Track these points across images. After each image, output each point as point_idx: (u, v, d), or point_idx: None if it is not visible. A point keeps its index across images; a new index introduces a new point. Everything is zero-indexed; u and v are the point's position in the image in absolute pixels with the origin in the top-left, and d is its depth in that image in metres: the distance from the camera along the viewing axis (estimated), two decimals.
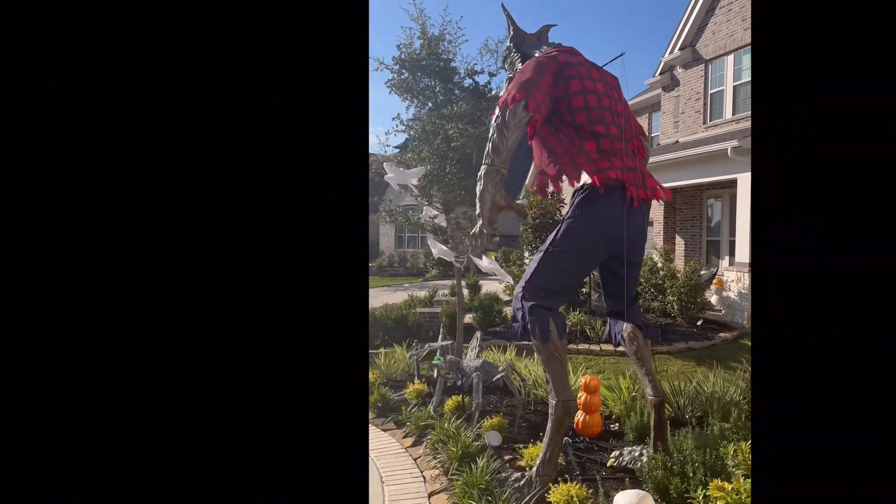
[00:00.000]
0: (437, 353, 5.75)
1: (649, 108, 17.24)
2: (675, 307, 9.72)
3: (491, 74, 6.74)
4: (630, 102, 17.81)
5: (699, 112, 13.26)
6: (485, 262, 7.61)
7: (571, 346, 8.78)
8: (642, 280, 10.45)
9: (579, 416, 4.61)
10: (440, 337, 6.74)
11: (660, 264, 10.41)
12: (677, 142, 13.84)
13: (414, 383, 6.27)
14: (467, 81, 6.85)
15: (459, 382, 5.04)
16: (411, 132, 6.66)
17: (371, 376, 6.26)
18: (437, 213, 6.85)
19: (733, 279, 9.81)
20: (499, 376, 5.02)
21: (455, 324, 9.27)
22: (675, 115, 14.56)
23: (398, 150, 6.97)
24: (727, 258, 12.04)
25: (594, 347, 8.70)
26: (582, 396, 4.64)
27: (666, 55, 14.16)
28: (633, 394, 5.00)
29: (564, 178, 3.36)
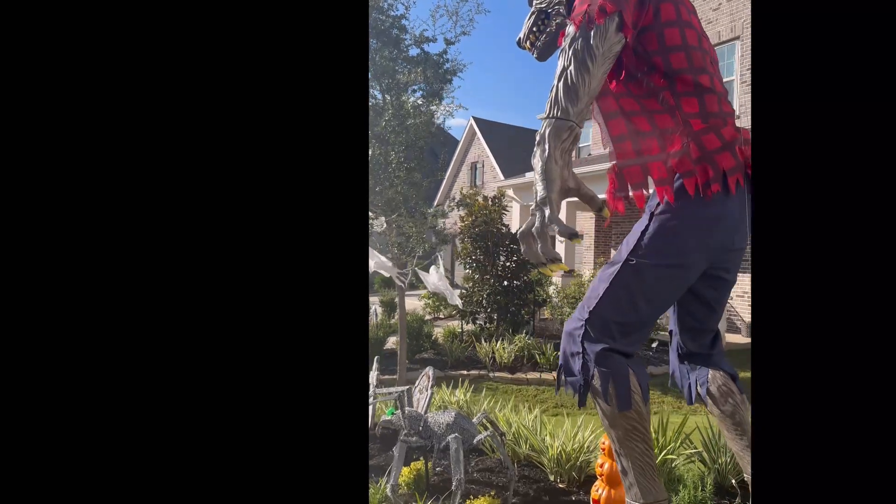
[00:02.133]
0: (390, 405, 4.24)
1: None
2: None
3: (448, 42, 5.36)
4: None
5: None
6: (433, 278, 6.18)
7: (520, 374, 7.55)
8: (574, 297, 9.46)
9: (600, 492, 3.29)
10: (374, 371, 5.19)
11: None
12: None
13: None
14: (414, 51, 5.45)
15: (422, 444, 3.57)
16: None
17: None
18: (373, 214, 5.36)
19: None
20: (481, 438, 3.60)
21: (376, 350, 7.76)
22: None
23: None
24: None
25: (547, 376, 7.50)
26: (603, 464, 3.32)
27: None
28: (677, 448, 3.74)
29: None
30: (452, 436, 3.34)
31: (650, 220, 2.13)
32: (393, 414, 3.89)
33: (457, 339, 8.42)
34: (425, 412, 3.99)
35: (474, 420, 3.79)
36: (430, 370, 4.70)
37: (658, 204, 2.14)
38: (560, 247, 12.46)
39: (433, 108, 5.22)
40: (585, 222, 13.89)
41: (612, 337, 2.09)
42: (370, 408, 4.67)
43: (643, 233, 2.12)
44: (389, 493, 3.32)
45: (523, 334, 8.30)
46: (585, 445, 3.78)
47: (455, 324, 9.38)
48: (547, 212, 1.83)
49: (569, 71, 1.88)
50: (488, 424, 3.87)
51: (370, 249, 5.44)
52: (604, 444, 3.35)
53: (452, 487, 3.17)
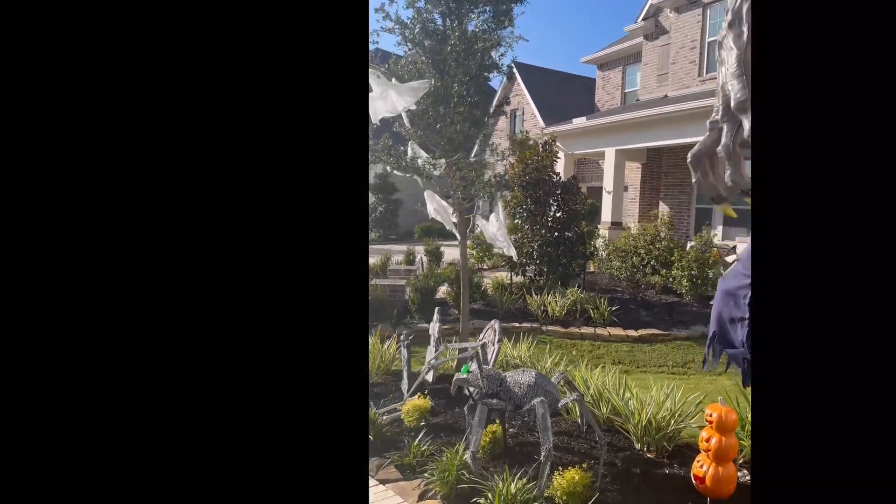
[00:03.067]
0: (466, 363, 3.90)
1: (623, 61, 15.73)
2: (684, 284, 8.30)
3: None
4: (601, 54, 16.32)
5: (694, 63, 11.83)
6: (493, 227, 5.76)
7: (573, 329, 7.20)
8: (641, 251, 8.98)
9: (704, 469, 2.93)
10: (435, 323, 4.86)
11: (663, 234, 8.94)
12: (666, 96, 12.42)
13: (405, 391, 4.43)
14: None
15: (502, 407, 3.24)
16: (406, 30, 4.60)
17: None
18: (426, 153, 4.91)
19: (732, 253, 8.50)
20: (566, 402, 3.25)
21: (427, 300, 7.44)
22: (659, 68, 13.11)
23: (385, 62, 4.85)
24: (720, 228, 10.81)
25: (601, 331, 7.14)
26: (710, 439, 2.96)
27: None
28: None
29: None
30: (538, 400, 3.00)
31: None
32: (468, 372, 3.57)
33: (506, 290, 8.06)
34: (498, 369, 3.65)
35: (553, 380, 3.44)
36: (495, 323, 4.34)
37: None
38: (606, 198, 11.89)
39: (501, 31, 4.66)
40: (632, 173, 13.25)
41: None
42: (433, 361, 4.36)
43: None
44: (469, 461, 3.01)
45: (575, 288, 7.90)
46: (677, 413, 3.41)
47: (502, 275, 9.01)
48: (746, 123, 1.39)
49: None
50: (565, 386, 3.52)
51: (429, 192, 5.03)
52: (710, 416, 2.98)
53: (542, 457, 2.85)
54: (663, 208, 12.36)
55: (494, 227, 5.22)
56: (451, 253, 12.19)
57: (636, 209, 13.22)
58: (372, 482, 3.18)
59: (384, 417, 3.84)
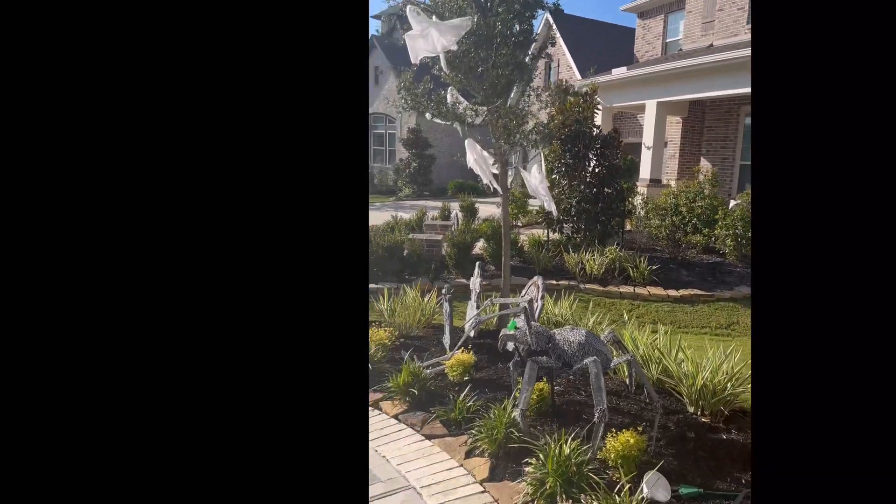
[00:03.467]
0: (512, 318, 3.77)
1: (665, 9, 14.97)
2: (729, 243, 8.02)
3: None
4: (641, 1, 15.52)
5: (742, 9, 11.16)
6: (535, 180, 5.55)
7: (611, 287, 7.02)
8: (682, 210, 8.68)
9: None
10: (476, 278, 4.73)
11: (706, 190, 8.60)
12: (711, 45, 11.81)
13: (447, 346, 4.34)
14: None
15: (551, 365, 3.12)
16: None
17: (381, 334, 4.27)
18: (465, 100, 4.67)
19: None
20: (619, 362, 3.12)
21: (464, 255, 7.31)
22: (705, 15, 12.43)
23: None
24: None
25: (640, 291, 6.96)
26: None
27: None
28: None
29: None
30: (591, 359, 2.87)
31: None
32: (515, 328, 3.45)
33: (543, 248, 7.88)
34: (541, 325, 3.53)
35: (602, 338, 3.30)
36: (538, 279, 4.19)
37: None
38: (645, 154, 11.50)
39: None
40: (672, 127, 12.75)
41: None
42: (474, 320, 4.26)
43: None
44: (519, 419, 2.92)
45: (614, 246, 7.68)
46: (735, 377, 3.25)
47: (538, 232, 8.82)
48: None
49: None
50: (614, 346, 3.39)
51: (469, 141, 4.82)
52: None
53: (595, 418, 2.74)
54: (705, 164, 11.90)
55: (537, 179, 5.00)
56: (485, 209, 11.98)
57: (675, 166, 12.79)
58: (418, 437, 3.12)
59: (428, 371, 3.76)
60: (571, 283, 7.15)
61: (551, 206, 5.24)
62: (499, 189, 5.00)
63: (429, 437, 3.12)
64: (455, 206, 11.32)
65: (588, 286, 7.04)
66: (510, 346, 3.40)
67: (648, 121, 11.34)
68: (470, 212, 10.72)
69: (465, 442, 3.02)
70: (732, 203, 9.09)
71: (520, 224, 10.99)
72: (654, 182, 11.29)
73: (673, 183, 11.61)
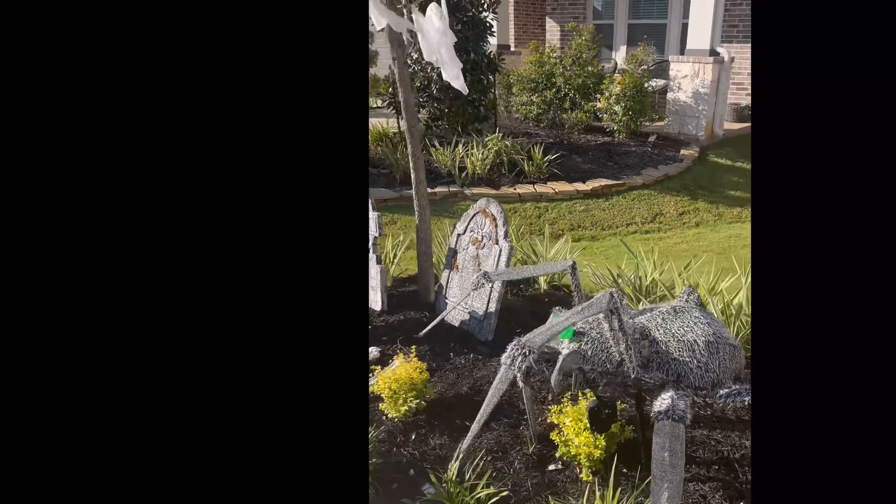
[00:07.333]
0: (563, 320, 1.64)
1: None
2: (619, 118, 6.57)
3: None
4: None
5: None
6: (434, 26, 3.23)
7: (506, 189, 5.20)
8: (558, 81, 6.98)
9: None
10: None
11: (584, 55, 6.91)
12: None
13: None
14: None
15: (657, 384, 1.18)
16: None
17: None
18: None
19: (686, 73, 6.87)
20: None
21: None
22: None
23: None
24: (676, 46, 9.02)
25: (542, 189, 5.24)
26: None
27: None
28: None
29: None
30: (743, 387, 0.99)
31: None
32: (572, 338, 1.46)
33: (394, 142, 5.72)
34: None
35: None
36: (490, 205, 2.13)
37: None
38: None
39: None
40: None
41: None
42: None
43: None
44: None
45: (495, 134, 5.80)
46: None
47: (381, 122, 6.58)
48: None
49: None
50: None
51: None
52: None
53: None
54: (551, 25, 10.29)
55: (436, 26, 2.72)
56: None
57: (511, 29, 10.99)
58: None
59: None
60: (453, 188, 5.20)
61: (459, 82, 2.94)
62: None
63: None
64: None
65: (476, 191, 5.15)
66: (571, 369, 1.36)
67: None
68: None
69: None
70: (606, 66, 7.66)
71: None
72: (504, 48, 9.45)
73: (522, 51, 9.87)
